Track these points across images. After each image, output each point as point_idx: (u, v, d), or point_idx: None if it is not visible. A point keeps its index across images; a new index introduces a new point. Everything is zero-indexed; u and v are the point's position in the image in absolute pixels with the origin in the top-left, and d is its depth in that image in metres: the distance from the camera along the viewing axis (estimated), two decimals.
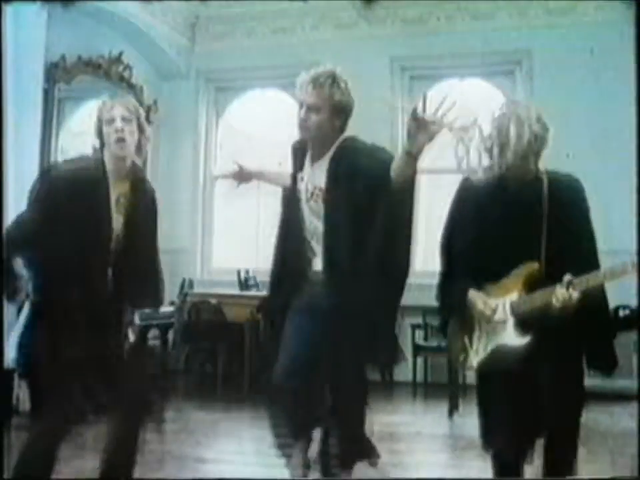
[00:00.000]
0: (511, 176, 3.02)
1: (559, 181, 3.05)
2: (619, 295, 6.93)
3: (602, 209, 8.56)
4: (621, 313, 7.21)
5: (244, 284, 8.21)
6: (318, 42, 8.52)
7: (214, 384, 7.29)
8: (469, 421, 6.31)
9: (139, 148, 3.46)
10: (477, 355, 3.08)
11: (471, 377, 7.36)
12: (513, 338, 2.95)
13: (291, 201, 3.76)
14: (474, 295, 3.06)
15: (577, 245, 2.98)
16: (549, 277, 2.92)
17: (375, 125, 8.45)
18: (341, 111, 3.67)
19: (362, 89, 9.30)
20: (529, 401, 2.93)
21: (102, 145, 3.44)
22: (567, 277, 2.84)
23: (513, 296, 2.97)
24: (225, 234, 9.25)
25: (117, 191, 3.44)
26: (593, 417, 4.38)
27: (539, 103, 8.20)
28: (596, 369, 3.07)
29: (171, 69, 9.01)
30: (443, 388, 6.75)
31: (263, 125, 9.26)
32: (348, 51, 8.37)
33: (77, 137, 9.58)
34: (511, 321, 2.97)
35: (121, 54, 8.03)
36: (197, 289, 8.25)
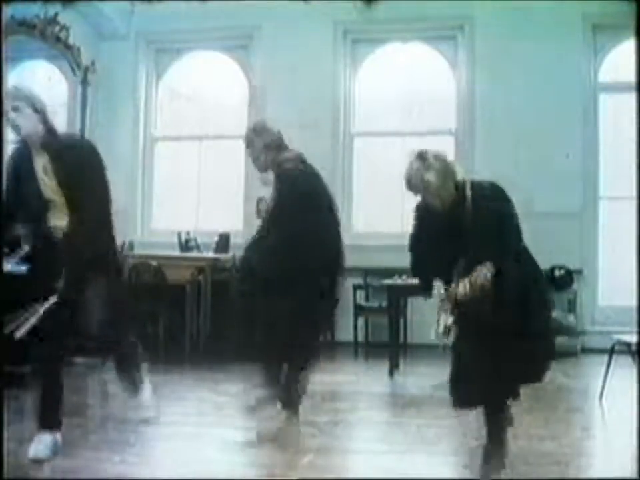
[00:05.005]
0: (439, 202, 3.68)
1: (482, 190, 3.67)
2: (555, 257, 7.16)
3: (541, 166, 8.57)
4: (557, 273, 7.36)
5: (184, 245, 8.20)
6: (260, 5, 8.43)
7: (155, 345, 7.27)
8: (409, 379, 6.47)
9: (43, 122, 3.92)
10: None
11: (410, 337, 7.52)
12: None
13: None
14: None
15: (498, 240, 3.58)
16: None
17: (318, 85, 8.48)
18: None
19: (305, 52, 9.25)
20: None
21: None
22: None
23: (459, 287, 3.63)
24: (166, 195, 9.19)
25: (41, 161, 3.95)
26: None
27: (479, 67, 8.34)
28: None
29: (110, 29, 8.84)
30: (384, 347, 6.85)
31: (203, 87, 9.20)
32: (291, 15, 8.32)
33: None
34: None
35: (56, 14, 7.81)
36: (137, 251, 8.22)
